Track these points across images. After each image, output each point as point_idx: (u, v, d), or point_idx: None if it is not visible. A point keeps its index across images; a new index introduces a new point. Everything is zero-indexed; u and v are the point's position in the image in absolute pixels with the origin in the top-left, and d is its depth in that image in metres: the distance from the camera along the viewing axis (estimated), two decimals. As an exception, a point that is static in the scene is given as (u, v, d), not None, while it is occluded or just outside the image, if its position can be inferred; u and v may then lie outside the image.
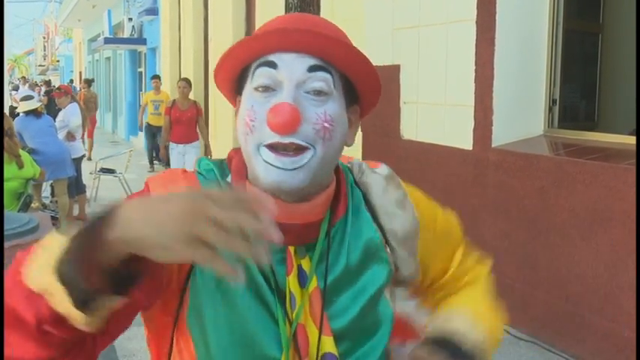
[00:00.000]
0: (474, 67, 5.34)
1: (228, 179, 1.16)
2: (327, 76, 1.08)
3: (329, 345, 1.12)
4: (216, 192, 0.84)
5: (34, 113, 8.24)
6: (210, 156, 9.04)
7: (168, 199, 0.87)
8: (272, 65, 1.08)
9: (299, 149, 1.05)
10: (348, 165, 1.26)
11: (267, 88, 1.07)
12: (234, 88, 1.18)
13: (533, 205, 4.82)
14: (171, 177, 1.16)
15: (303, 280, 1.13)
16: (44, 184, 8.53)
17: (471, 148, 5.41)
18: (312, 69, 1.07)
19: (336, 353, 1.13)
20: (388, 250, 1.21)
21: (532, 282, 4.87)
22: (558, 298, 4.66)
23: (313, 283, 1.13)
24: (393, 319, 1.21)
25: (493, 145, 5.21)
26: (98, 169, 10.60)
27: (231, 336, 1.09)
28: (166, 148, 9.73)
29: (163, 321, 1.14)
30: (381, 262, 1.20)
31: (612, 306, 4.26)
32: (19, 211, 5.89)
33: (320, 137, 1.06)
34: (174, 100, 9.89)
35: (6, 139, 6.22)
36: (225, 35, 11.91)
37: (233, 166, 1.17)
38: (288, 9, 9.52)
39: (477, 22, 5.31)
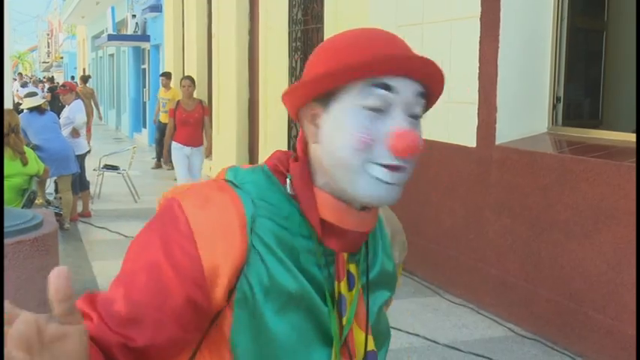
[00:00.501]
0: (478, 65, 5.33)
1: (287, 188, 1.15)
2: (424, 101, 1.13)
3: (371, 344, 1.20)
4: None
5: (37, 110, 8.26)
6: (210, 157, 8.80)
7: None
8: (388, 88, 1.09)
9: (400, 167, 1.10)
10: None
11: (378, 110, 1.09)
12: (312, 96, 1.15)
13: (537, 202, 4.82)
14: (206, 195, 1.11)
15: (350, 284, 1.18)
16: (48, 180, 8.55)
17: (474, 146, 5.40)
18: (419, 95, 1.11)
19: (376, 349, 1.21)
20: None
21: (535, 280, 4.87)
22: (561, 295, 4.66)
23: (358, 286, 1.19)
24: (389, 337, 1.30)
25: (497, 143, 5.20)
26: (102, 166, 10.61)
27: (286, 335, 1.11)
28: (168, 151, 9.17)
29: (216, 337, 1.14)
30: (394, 274, 1.31)
31: (615, 304, 4.26)
32: (23, 208, 5.90)
33: (414, 159, 1.12)
34: (178, 101, 9.26)
35: (12, 136, 6.23)
36: (229, 32, 11.91)
37: (296, 175, 1.16)
38: (291, 5, 9.53)
39: (481, 19, 5.30)
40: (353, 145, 1.08)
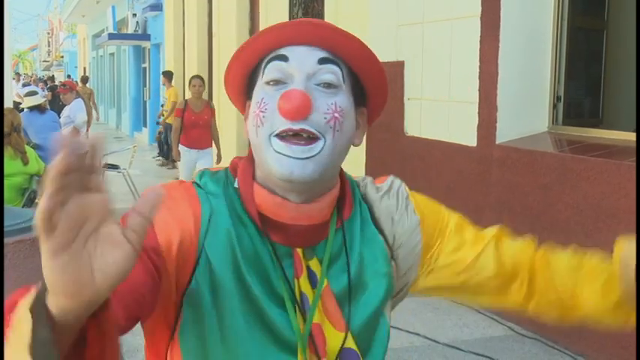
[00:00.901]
0: (479, 64, 5.33)
1: (235, 185, 1.16)
2: (336, 68, 1.09)
3: (348, 341, 1.13)
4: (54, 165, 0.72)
5: (38, 109, 8.27)
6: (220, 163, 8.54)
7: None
8: (283, 58, 1.09)
9: (310, 139, 1.06)
10: (357, 180, 1.27)
11: (278, 82, 1.08)
12: (244, 93, 1.19)
13: (538, 201, 4.82)
14: (167, 191, 1.09)
15: (313, 281, 1.13)
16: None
17: (475, 145, 5.40)
18: (322, 61, 1.08)
19: (356, 348, 1.14)
20: (393, 264, 1.22)
21: (536, 279, 4.87)
22: (562, 295, 4.66)
23: (324, 283, 1.13)
24: (387, 342, 1.21)
25: (497, 142, 5.20)
26: (102, 165, 10.61)
27: (236, 345, 1.08)
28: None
29: (161, 334, 1.12)
30: (385, 277, 1.20)
31: (616, 303, 4.25)
32: (23, 207, 5.90)
33: (330, 127, 1.07)
34: (186, 101, 8.67)
35: (14, 135, 6.23)
36: (230, 31, 11.91)
37: (239, 170, 1.16)
38: (292, 4, 9.53)
39: (481, 18, 5.30)
40: (253, 122, 1.09)
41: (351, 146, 1.19)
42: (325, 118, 1.06)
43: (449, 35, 5.67)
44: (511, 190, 5.06)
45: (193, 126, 8.36)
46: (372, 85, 1.16)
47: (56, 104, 14.68)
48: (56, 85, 16.39)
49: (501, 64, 5.16)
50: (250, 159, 1.16)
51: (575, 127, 5.27)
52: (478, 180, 5.37)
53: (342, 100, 1.09)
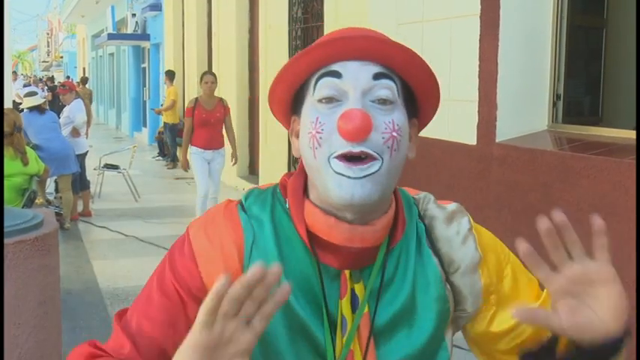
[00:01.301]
0: (478, 63, 5.33)
1: (286, 205, 1.13)
2: (391, 83, 1.05)
3: None
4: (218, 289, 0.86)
5: (38, 109, 8.26)
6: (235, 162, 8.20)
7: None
8: (336, 75, 1.04)
9: (368, 158, 1.02)
10: (415, 197, 1.24)
11: (331, 99, 1.04)
12: (290, 108, 1.15)
13: (538, 200, 4.82)
14: (211, 220, 1.14)
15: (355, 305, 1.11)
16: (48, 180, 8.54)
17: (475, 144, 5.40)
18: (377, 76, 1.04)
19: None
20: (448, 287, 1.17)
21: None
22: (562, 293, 4.66)
23: (364, 309, 1.11)
24: None
25: (497, 141, 5.20)
26: (102, 165, 10.61)
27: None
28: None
29: None
30: (440, 299, 1.15)
31: (616, 301, 4.25)
32: (23, 207, 5.91)
33: (388, 147, 1.03)
34: (196, 99, 7.98)
35: (16, 134, 6.25)
36: (229, 31, 11.91)
37: (290, 188, 1.13)
38: (291, 4, 9.52)
39: (481, 17, 5.30)
40: (308, 143, 1.05)
41: None
42: (383, 138, 1.03)
43: (448, 34, 5.67)
44: (511, 189, 5.06)
45: (204, 125, 7.77)
46: (425, 96, 1.13)
47: (56, 105, 14.69)
48: (56, 86, 16.40)
49: (501, 62, 5.16)
50: (301, 176, 1.13)
51: (575, 126, 5.27)
52: (478, 178, 5.37)
53: (399, 116, 1.06)
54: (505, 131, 5.20)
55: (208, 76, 8.07)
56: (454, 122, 5.62)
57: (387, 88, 1.05)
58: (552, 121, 5.37)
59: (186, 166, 7.94)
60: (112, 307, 5.46)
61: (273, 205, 1.14)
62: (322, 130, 1.03)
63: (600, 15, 6.10)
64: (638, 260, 3.97)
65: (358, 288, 1.11)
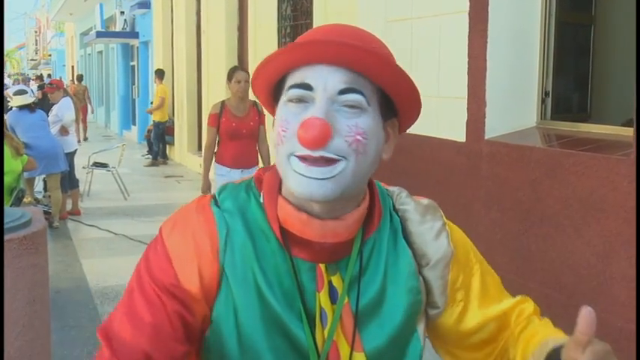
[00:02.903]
0: (467, 60, 5.34)
1: (261, 199, 1.15)
2: (358, 97, 1.06)
3: None
4: None
5: (28, 108, 8.24)
6: None
7: None
8: (307, 87, 1.06)
9: (330, 161, 1.04)
10: (389, 189, 1.26)
11: (300, 100, 1.06)
12: (272, 97, 1.17)
13: (527, 196, 4.83)
14: (183, 217, 1.15)
15: (334, 297, 1.12)
16: (37, 178, 8.51)
17: (464, 140, 5.41)
18: (342, 92, 1.05)
19: None
20: (421, 279, 1.20)
21: (525, 273, 4.89)
22: (551, 288, 4.68)
23: (344, 300, 1.12)
24: (420, 356, 1.19)
25: (486, 137, 5.21)
26: (91, 164, 10.58)
27: (256, 355, 1.10)
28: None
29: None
30: (412, 290, 1.18)
31: (605, 297, 4.28)
32: (11, 206, 5.88)
33: (353, 150, 1.04)
34: (223, 104, 6.19)
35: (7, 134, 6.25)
36: (218, 28, 11.89)
37: (265, 183, 1.16)
38: (280, 2, 9.52)
39: (469, 14, 5.30)
40: (275, 139, 1.09)
41: None
42: (347, 141, 1.04)
43: (437, 31, 5.67)
44: (500, 185, 5.07)
45: (234, 136, 6.10)
46: (401, 99, 1.13)
47: (46, 103, 14.62)
48: (45, 84, 16.33)
49: (489, 59, 5.17)
50: (276, 173, 1.15)
51: (564, 122, 5.29)
52: (467, 175, 5.38)
53: (366, 121, 1.06)
54: (494, 128, 5.21)
55: (240, 73, 6.31)
56: (443, 119, 5.63)
57: (355, 99, 1.06)
58: (541, 118, 5.39)
59: (207, 189, 6.12)
60: (102, 305, 5.45)
61: (248, 199, 1.15)
62: (286, 129, 1.06)
63: (588, 12, 6.12)
64: (638, 260, 4.00)
65: (335, 280, 1.13)
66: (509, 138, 5.14)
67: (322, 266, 1.12)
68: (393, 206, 1.23)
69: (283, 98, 1.10)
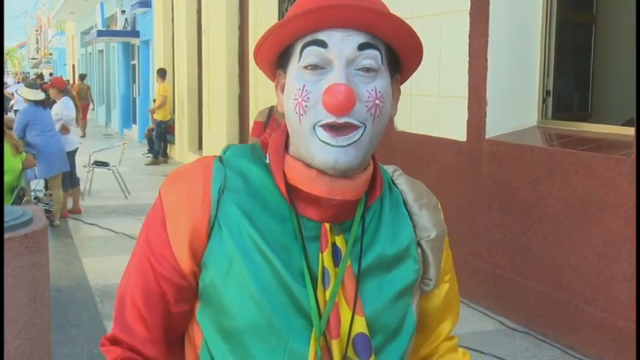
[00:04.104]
0: (468, 59, 5.34)
1: (266, 160, 1.16)
2: (376, 53, 1.08)
3: (361, 325, 1.11)
4: None
5: (42, 104, 8.21)
6: None
7: None
8: (322, 44, 1.07)
9: (351, 127, 1.06)
10: (386, 167, 1.28)
11: (316, 67, 1.07)
12: (275, 62, 1.17)
13: (527, 195, 4.83)
14: (182, 171, 1.17)
15: (337, 258, 1.12)
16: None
17: (464, 140, 5.41)
18: (362, 47, 1.07)
19: (368, 334, 1.12)
20: (419, 250, 1.22)
21: (526, 272, 4.89)
22: (552, 288, 4.68)
23: (347, 262, 1.12)
24: (413, 330, 1.20)
25: (487, 137, 5.21)
26: (92, 162, 10.57)
27: (251, 317, 1.09)
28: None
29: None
30: (411, 259, 1.20)
31: (605, 296, 4.28)
32: (12, 204, 5.88)
33: (371, 114, 1.07)
34: (270, 110, 4.99)
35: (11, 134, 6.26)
36: (219, 27, 11.88)
37: (271, 145, 1.16)
38: (281, 1, 9.51)
39: (470, 13, 5.30)
40: (294, 108, 1.08)
41: None
42: (367, 106, 1.06)
43: (438, 30, 5.67)
44: (501, 185, 5.07)
45: None
46: (409, 57, 1.16)
47: (46, 101, 14.62)
48: (45, 82, 16.36)
49: (490, 58, 5.17)
50: (284, 133, 1.16)
51: (565, 122, 5.29)
52: (468, 174, 5.38)
53: (382, 83, 1.09)
54: (495, 127, 5.21)
55: None
56: (444, 118, 5.63)
57: (371, 58, 1.08)
58: (542, 117, 5.39)
59: None
60: (102, 304, 5.45)
61: (253, 158, 1.17)
62: (308, 98, 1.06)
63: (589, 11, 6.12)
64: (638, 259, 4.00)
65: (339, 241, 1.13)
66: (509, 137, 5.14)
67: (327, 226, 1.12)
68: (391, 179, 1.26)
69: (295, 64, 1.10)
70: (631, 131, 4.38)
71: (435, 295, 1.28)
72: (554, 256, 4.64)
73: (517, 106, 5.33)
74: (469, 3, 5.30)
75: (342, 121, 1.04)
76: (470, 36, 5.31)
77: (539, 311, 4.79)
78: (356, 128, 1.06)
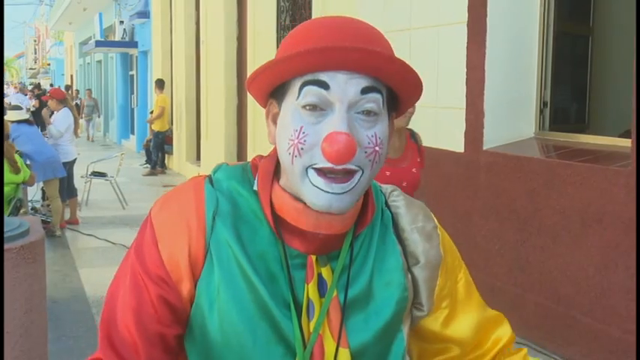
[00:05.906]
0: (465, 70, 5.35)
1: (255, 187, 1.13)
2: (378, 96, 1.04)
3: (345, 358, 1.10)
4: None
5: (26, 122, 8.34)
6: None
7: None
8: (323, 86, 1.02)
9: (349, 173, 1.02)
10: (382, 187, 1.25)
11: (315, 107, 1.02)
12: (269, 94, 1.13)
13: (525, 207, 4.83)
14: (173, 195, 1.14)
15: (322, 289, 1.10)
16: (35, 186, 8.52)
17: (462, 151, 5.42)
18: (365, 91, 1.03)
19: None
20: (409, 276, 1.19)
21: (523, 284, 4.88)
22: (549, 299, 4.67)
23: (333, 293, 1.10)
24: (403, 356, 1.17)
25: (484, 148, 5.22)
26: (90, 173, 10.57)
27: (233, 347, 1.08)
28: None
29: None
30: (400, 287, 1.16)
31: (603, 307, 4.27)
32: (9, 216, 5.88)
33: (370, 160, 1.03)
34: None
35: (6, 143, 6.25)
36: (217, 38, 11.91)
37: (260, 169, 1.13)
38: (279, 12, 9.54)
39: (468, 24, 5.32)
40: (288, 149, 1.04)
41: None
42: (366, 152, 1.03)
43: (436, 42, 5.69)
44: (498, 196, 5.08)
45: None
46: (407, 98, 1.12)
47: (39, 113, 14.64)
48: (43, 93, 16.37)
49: (488, 70, 5.18)
50: (273, 160, 1.13)
51: (562, 133, 5.30)
52: (466, 186, 5.39)
53: (382, 128, 1.05)
54: (492, 138, 5.22)
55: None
56: (441, 129, 5.63)
57: (374, 102, 1.03)
58: (539, 129, 5.40)
59: None
60: (99, 315, 5.42)
61: (243, 182, 1.14)
62: (305, 141, 1.02)
63: (587, 22, 6.15)
64: (638, 262, 4.00)
65: (325, 272, 1.11)
66: (507, 148, 5.14)
67: (313, 257, 1.10)
68: (386, 202, 1.22)
69: (293, 101, 1.05)
70: (628, 142, 4.38)
71: (437, 318, 1.25)
72: (552, 267, 4.64)
73: (514, 117, 5.34)
74: (467, 15, 5.32)
75: (340, 167, 1.00)
76: (467, 47, 5.33)
77: (536, 323, 4.78)
78: (353, 174, 1.02)
